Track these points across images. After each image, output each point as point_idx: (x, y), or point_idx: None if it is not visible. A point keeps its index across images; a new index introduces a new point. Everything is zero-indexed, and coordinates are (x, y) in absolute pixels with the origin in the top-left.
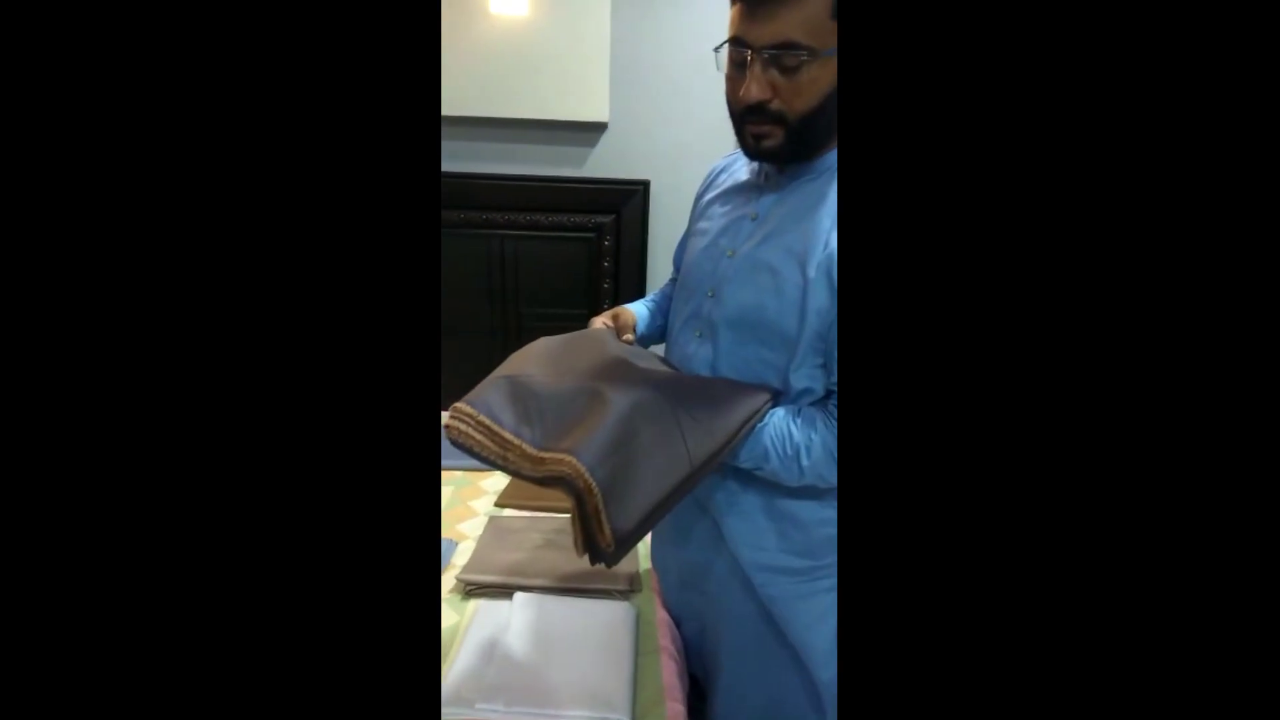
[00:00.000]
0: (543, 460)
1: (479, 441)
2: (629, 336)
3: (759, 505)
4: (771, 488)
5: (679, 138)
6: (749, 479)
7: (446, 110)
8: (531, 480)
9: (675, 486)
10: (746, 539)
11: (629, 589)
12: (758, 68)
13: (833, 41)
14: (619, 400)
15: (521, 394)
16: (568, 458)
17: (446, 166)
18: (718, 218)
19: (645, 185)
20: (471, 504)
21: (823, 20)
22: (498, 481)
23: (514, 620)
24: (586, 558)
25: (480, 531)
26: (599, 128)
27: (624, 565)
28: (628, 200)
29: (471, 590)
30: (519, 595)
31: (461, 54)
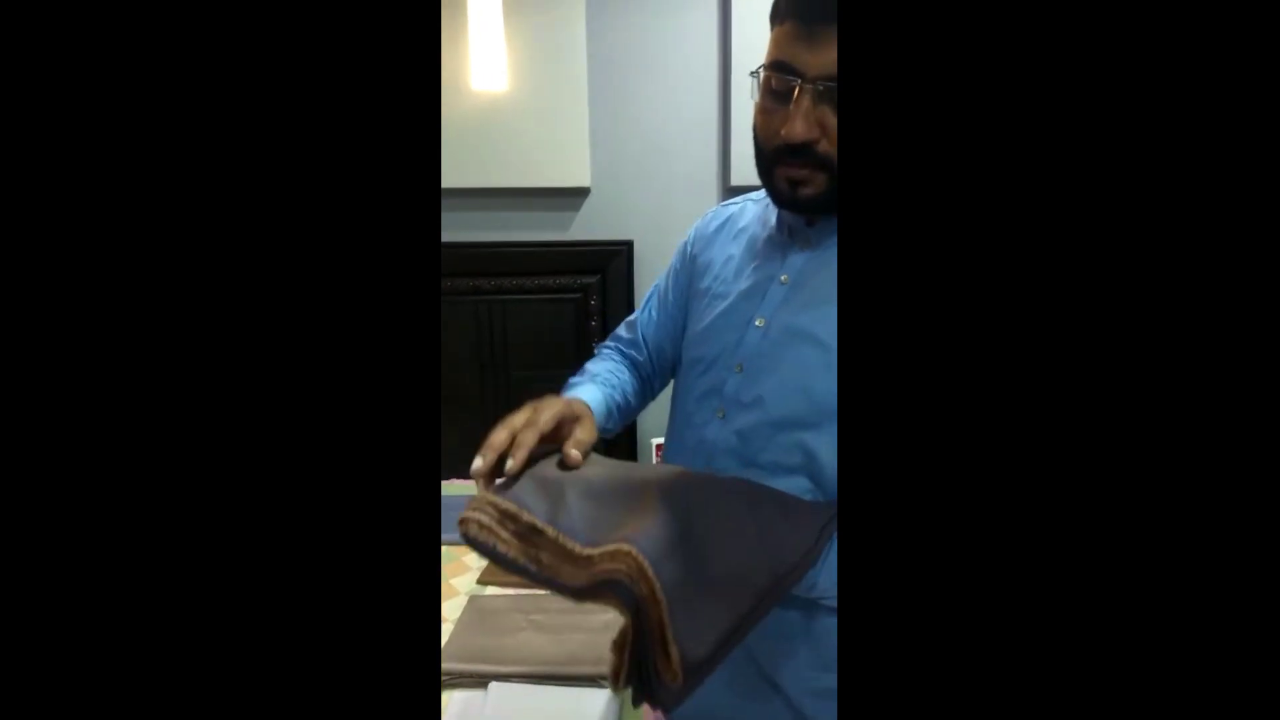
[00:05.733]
0: (589, 559)
1: (503, 539)
2: (573, 453)
3: (799, 627)
4: (811, 606)
5: (660, 198)
6: (789, 601)
7: None
8: (571, 593)
9: (756, 602)
10: (791, 667)
11: None
12: (807, 101)
13: None
14: (673, 489)
15: (549, 485)
16: (624, 547)
17: None
18: (733, 280)
19: (629, 246)
20: (453, 582)
21: None
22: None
23: (488, 715)
24: (569, 642)
25: (460, 613)
26: (582, 192)
27: (606, 650)
28: (612, 261)
29: (445, 680)
30: (494, 685)
31: (447, 129)
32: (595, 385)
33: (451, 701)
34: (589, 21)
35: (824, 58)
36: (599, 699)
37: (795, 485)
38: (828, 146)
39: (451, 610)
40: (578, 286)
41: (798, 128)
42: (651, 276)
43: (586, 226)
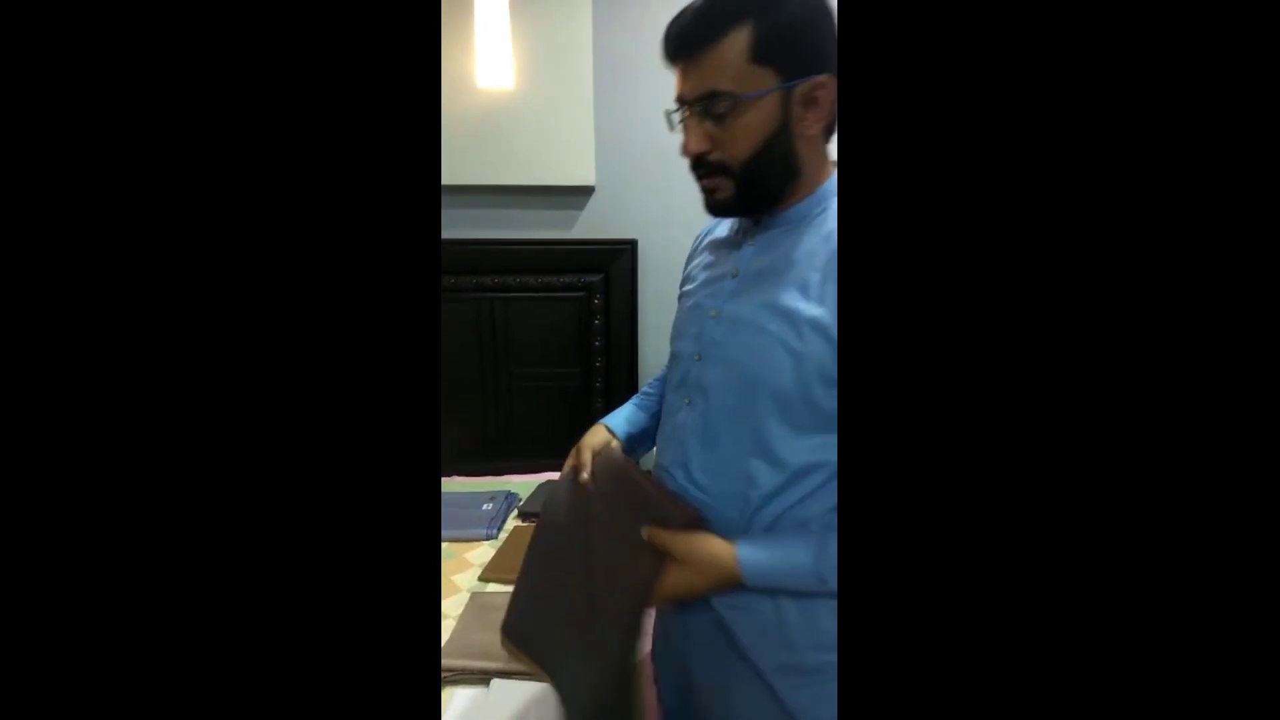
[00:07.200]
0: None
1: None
2: (584, 476)
3: (768, 608)
4: (776, 592)
5: (665, 198)
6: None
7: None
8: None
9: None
10: (759, 639)
11: None
12: (693, 121)
13: (756, 85)
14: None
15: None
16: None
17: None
18: (700, 279)
19: (633, 244)
20: (454, 579)
21: (742, 65)
22: (484, 553)
23: (490, 712)
24: None
25: (462, 610)
26: (586, 191)
27: None
28: (615, 259)
29: (447, 677)
30: (496, 682)
31: (452, 126)
32: (632, 402)
33: (453, 698)
34: (595, 19)
35: (692, 84)
36: None
37: (753, 463)
38: (720, 154)
39: (454, 607)
40: (581, 285)
41: (690, 144)
42: (655, 275)
43: (591, 225)
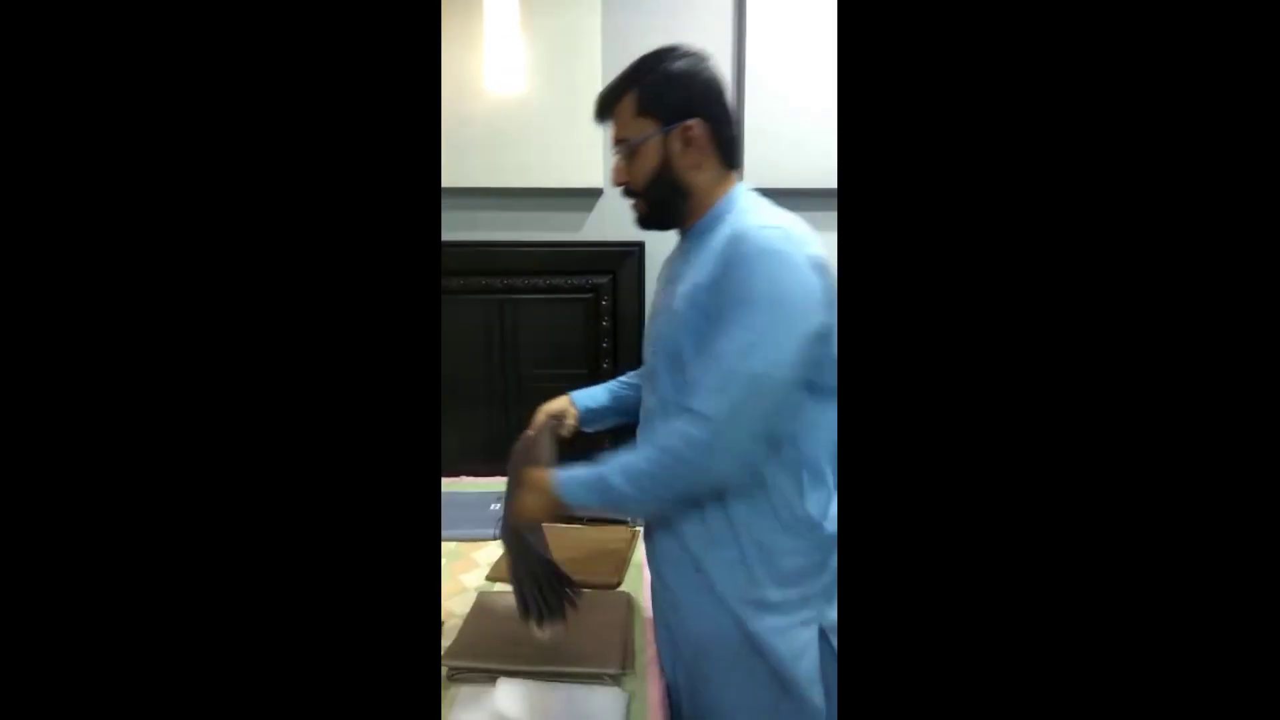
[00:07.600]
0: None
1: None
2: (529, 433)
3: (730, 537)
4: (740, 518)
5: None
6: (722, 511)
7: (448, 182)
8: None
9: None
10: (726, 572)
11: (620, 671)
12: (619, 159)
13: (642, 131)
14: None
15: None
16: None
17: (448, 236)
18: (658, 289)
19: (640, 246)
20: (462, 578)
21: (631, 118)
22: (491, 553)
23: (496, 710)
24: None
25: (469, 609)
26: (594, 193)
27: (614, 645)
28: (623, 261)
29: (454, 675)
30: (502, 681)
31: (461, 128)
32: (603, 386)
33: (459, 697)
34: (604, 23)
35: (613, 133)
36: (605, 695)
37: (682, 425)
38: (633, 184)
39: (460, 606)
40: (589, 287)
41: (615, 175)
42: None
43: (598, 227)
